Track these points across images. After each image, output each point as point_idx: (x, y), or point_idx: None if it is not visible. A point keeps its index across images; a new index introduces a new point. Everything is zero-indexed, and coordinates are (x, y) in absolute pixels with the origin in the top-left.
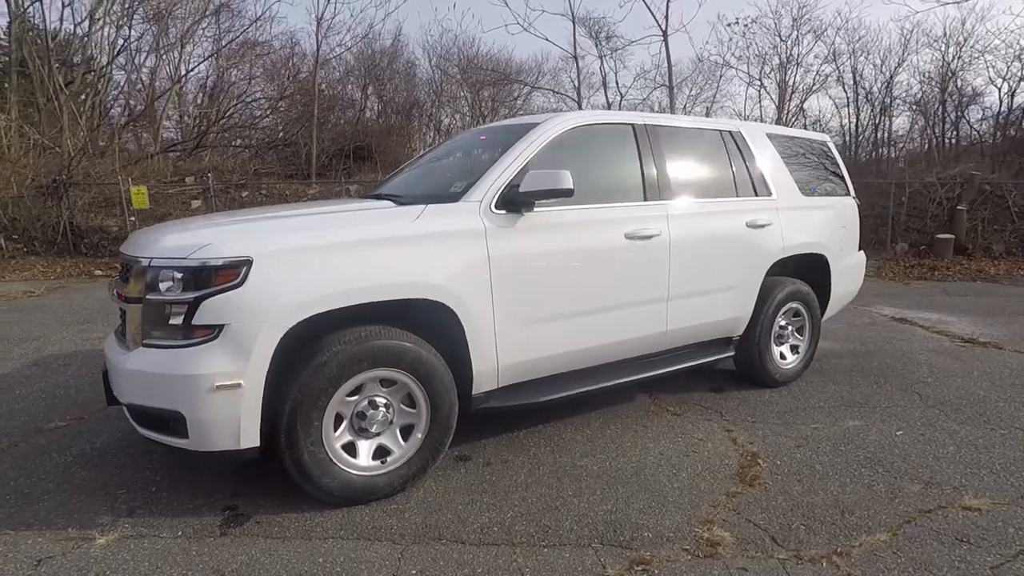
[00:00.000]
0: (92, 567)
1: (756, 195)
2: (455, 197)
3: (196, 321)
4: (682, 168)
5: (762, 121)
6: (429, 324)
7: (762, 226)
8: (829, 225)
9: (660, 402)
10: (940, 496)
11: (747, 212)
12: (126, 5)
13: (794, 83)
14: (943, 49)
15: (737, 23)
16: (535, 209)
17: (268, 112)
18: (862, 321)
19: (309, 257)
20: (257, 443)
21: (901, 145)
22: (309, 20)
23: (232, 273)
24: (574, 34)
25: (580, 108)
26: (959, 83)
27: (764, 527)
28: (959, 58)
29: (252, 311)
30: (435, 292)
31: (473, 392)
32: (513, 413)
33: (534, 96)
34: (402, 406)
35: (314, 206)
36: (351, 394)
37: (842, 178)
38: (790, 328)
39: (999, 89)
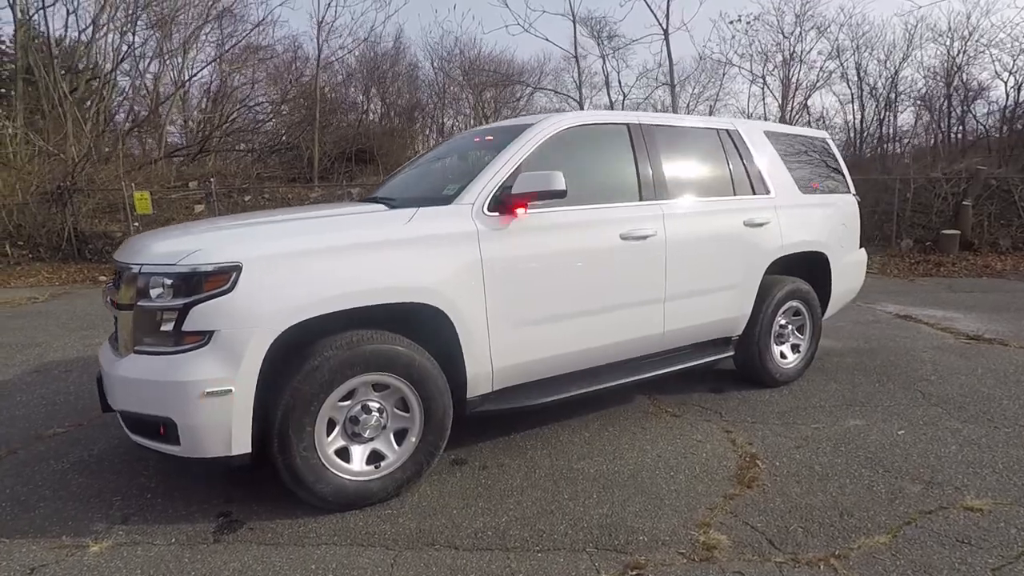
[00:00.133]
0: (84, 575)
1: (754, 193)
2: (447, 200)
3: (186, 327)
4: (678, 167)
5: (766, 118)
6: (422, 327)
7: (760, 224)
8: (829, 223)
9: (659, 403)
10: (941, 496)
11: (745, 211)
12: (130, 11)
13: (798, 80)
14: (948, 44)
15: (740, 20)
16: (528, 211)
17: (271, 116)
18: (866, 318)
19: (299, 262)
20: (249, 449)
21: (906, 141)
22: (311, 24)
23: (222, 279)
24: (575, 34)
25: (582, 108)
26: (964, 77)
27: (761, 530)
28: (964, 52)
29: (242, 317)
30: (427, 295)
31: (468, 395)
32: (510, 416)
33: (536, 97)
34: (395, 410)
35: (309, 210)
36: (344, 399)
37: (842, 175)
38: (790, 327)
39: (1005, 83)
